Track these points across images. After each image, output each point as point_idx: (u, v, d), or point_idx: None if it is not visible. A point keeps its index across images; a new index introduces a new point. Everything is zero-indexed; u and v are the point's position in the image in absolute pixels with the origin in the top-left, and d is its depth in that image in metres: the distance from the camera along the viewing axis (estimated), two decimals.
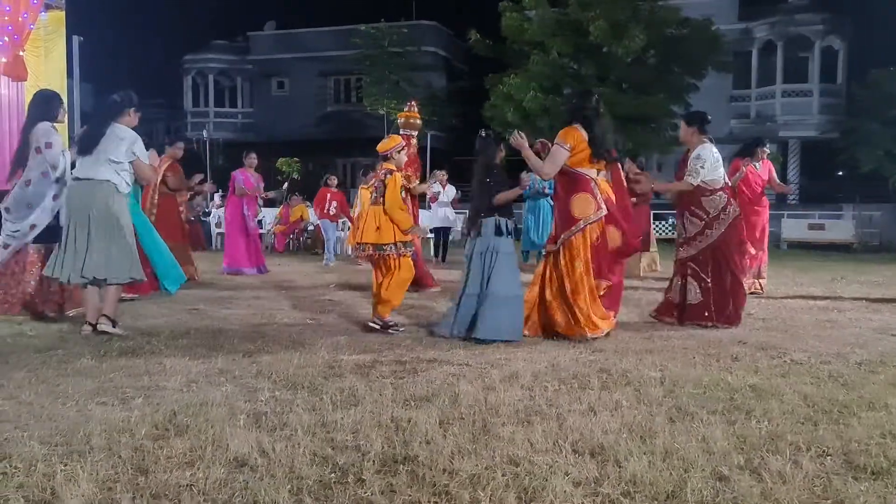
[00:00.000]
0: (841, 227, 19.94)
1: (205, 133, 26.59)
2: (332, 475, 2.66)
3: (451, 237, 13.86)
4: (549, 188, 10.02)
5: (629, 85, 20.97)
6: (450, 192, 13.08)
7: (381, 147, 5.81)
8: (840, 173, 27.63)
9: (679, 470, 2.70)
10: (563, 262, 5.33)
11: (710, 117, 6.34)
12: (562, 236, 5.35)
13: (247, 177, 10.54)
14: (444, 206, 13.00)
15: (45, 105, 5.92)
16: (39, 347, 4.81)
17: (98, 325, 5.30)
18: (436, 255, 13.03)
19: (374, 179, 5.81)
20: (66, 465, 2.67)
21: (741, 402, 3.65)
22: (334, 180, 13.14)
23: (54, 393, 3.69)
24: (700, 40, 20.73)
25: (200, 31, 40.73)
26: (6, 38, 8.70)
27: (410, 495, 2.49)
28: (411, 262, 5.71)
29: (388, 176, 5.53)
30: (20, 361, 4.40)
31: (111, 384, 3.89)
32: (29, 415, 3.31)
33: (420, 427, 3.14)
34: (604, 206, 5.37)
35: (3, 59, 8.85)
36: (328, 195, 12.81)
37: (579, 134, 5.41)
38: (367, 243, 5.52)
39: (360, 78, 31.12)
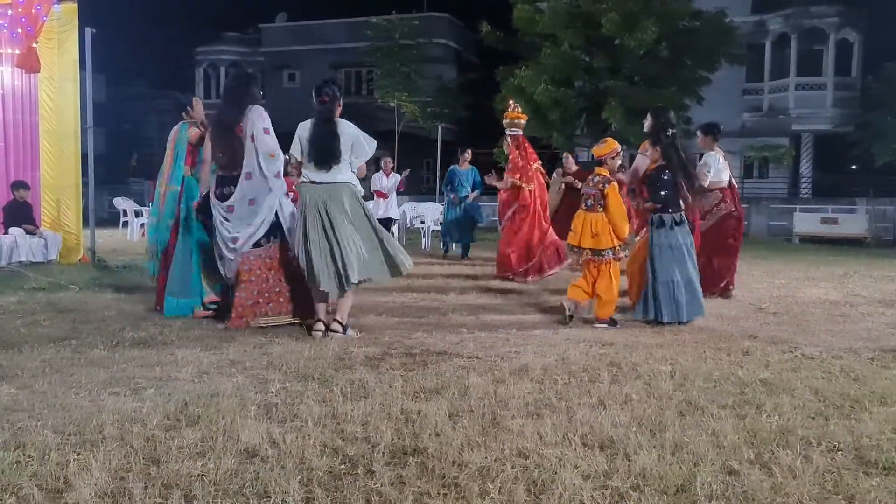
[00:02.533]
0: (854, 222, 19.76)
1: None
2: (342, 466, 2.67)
3: (393, 229, 12.39)
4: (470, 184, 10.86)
5: (641, 78, 20.83)
6: (393, 179, 11.93)
7: (597, 152, 5.95)
8: (854, 167, 27.40)
9: (689, 464, 2.70)
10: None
11: (721, 127, 7.48)
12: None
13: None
14: (385, 195, 11.87)
15: (248, 86, 5.55)
16: (53, 337, 4.85)
17: (332, 328, 5.14)
18: None
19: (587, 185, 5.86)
20: (79, 455, 2.70)
21: (752, 396, 3.64)
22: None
23: (67, 383, 3.72)
24: (713, 33, 20.55)
25: (212, 22, 40.88)
26: (20, 30, 8.76)
27: (420, 487, 2.50)
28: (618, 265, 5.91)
29: (607, 185, 5.68)
30: (34, 351, 4.44)
31: (124, 374, 3.92)
32: (42, 404, 3.34)
33: (430, 419, 3.15)
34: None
35: (17, 51, 8.91)
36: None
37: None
38: (585, 248, 5.74)
39: (372, 70, 31.06)
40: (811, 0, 26.30)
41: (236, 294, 5.34)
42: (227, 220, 5.32)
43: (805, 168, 27.28)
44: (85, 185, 9.89)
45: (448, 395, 3.58)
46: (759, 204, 23.28)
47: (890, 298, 7.49)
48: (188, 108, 6.03)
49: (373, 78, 31.00)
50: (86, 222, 9.88)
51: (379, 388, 3.70)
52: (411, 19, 29.05)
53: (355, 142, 5.18)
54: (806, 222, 19.94)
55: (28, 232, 9.12)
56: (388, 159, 12.39)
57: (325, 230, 5.05)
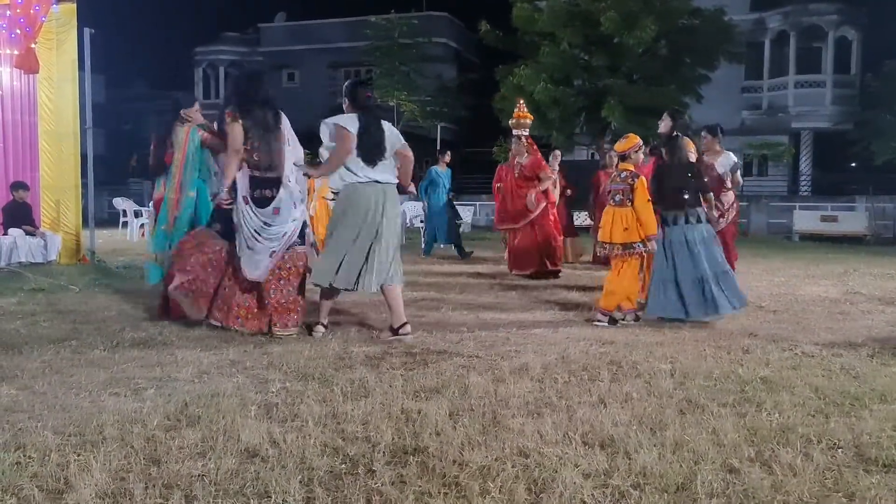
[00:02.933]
0: (854, 219, 19.75)
1: (216, 125, 26.65)
2: (343, 466, 2.67)
3: None
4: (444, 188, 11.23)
5: (640, 76, 20.86)
6: None
7: (620, 147, 5.93)
8: (853, 165, 27.41)
9: (689, 462, 2.70)
10: None
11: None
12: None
13: None
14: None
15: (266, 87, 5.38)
16: (53, 338, 4.85)
17: (401, 333, 5.01)
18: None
19: (613, 182, 5.87)
20: (79, 455, 2.70)
21: (752, 394, 3.64)
22: None
23: (68, 383, 3.72)
24: (712, 31, 20.57)
25: (211, 23, 40.86)
26: (18, 31, 8.76)
27: (420, 486, 2.50)
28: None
29: (636, 179, 5.67)
30: (34, 352, 4.44)
31: (124, 375, 3.92)
32: (43, 405, 3.34)
33: (430, 418, 3.15)
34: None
35: (16, 52, 8.91)
36: None
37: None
38: (615, 243, 5.70)
39: (371, 69, 31.07)
40: None
41: (270, 295, 5.09)
42: (269, 224, 5.03)
43: (804, 166, 27.30)
44: (84, 185, 9.90)
45: (448, 394, 3.58)
46: (759, 202, 23.29)
47: (890, 296, 7.49)
48: (183, 110, 5.86)
49: (372, 77, 30.98)
50: (85, 223, 9.88)
51: (379, 387, 3.70)
52: (410, 18, 29.07)
53: (397, 140, 5.11)
54: (805, 220, 19.94)
55: (27, 233, 9.12)
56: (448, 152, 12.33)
57: (363, 230, 4.92)
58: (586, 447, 2.86)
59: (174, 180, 5.76)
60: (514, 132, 8.84)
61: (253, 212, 5.03)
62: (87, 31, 9.55)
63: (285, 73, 34.69)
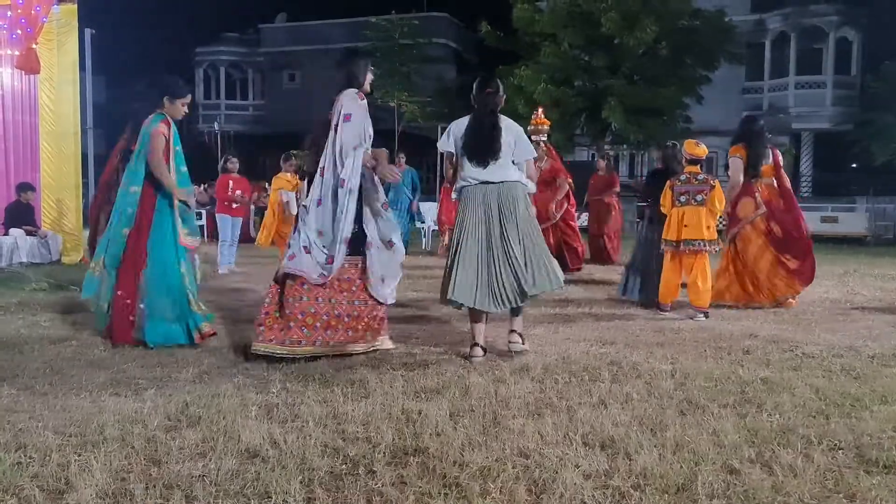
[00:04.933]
0: (854, 220, 19.76)
1: (216, 125, 26.69)
2: (343, 466, 2.67)
3: None
4: (408, 187, 11.22)
5: (641, 77, 20.84)
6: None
7: (700, 153, 6.32)
8: (854, 166, 27.38)
9: (690, 463, 2.70)
10: (739, 247, 6.74)
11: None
12: (731, 232, 6.79)
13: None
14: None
15: (348, 66, 4.89)
16: (54, 338, 4.85)
17: (511, 347, 4.59)
18: None
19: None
20: (79, 456, 2.70)
21: (752, 395, 3.64)
22: (235, 164, 9.79)
23: (68, 384, 3.72)
24: (712, 32, 20.57)
25: (212, 23, 40.82)
26: (19, 32, 8.77)
27: (421, 487, 2.50)
28: None
29: (715, 182, 6.25)
30: (35, 352, 4.44)
31: (124, 375, 3.92)
32: (43, 405, 3.34)
33: (430, 419, 3.15)
34: (763, 206, 6.75)
35: (17, 53, 8.92)
36: (230, 183, 9.55)
37: (744, 151, 6.74)
38: (700, 240, 6.11)
39: (372, 70, 31.08)
40: None
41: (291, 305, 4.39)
42: (303, 221, 4.51)
43: (805, 167, 27.27)
44: (85, 185, 9.91)
45: (449, 394, 3.58)
46: None
47: (890, 297, 7.49)
48: (167, 97, 5.07)
49: (372, 78, 30.98)
50: (86, 223, 9.88)
51: (380, 388, 3.70)
52: (411, 19, 29.05)
53: (518, 139, 4.57)
54: (806, 221, 19.91)
55: (28, 233, 9.12)
56: (402, 154, 11.97)
57: (488, 237, 4.43)
58: (587, 448, 2.86)
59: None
60: (533, 138, 8.85)
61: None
62: (87, 31, 9.57)
63: (286, 74, 34.68)
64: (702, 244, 6.09)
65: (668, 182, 6.35)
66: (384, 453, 2.78)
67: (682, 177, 6.26)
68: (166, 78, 5.60)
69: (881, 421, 3.21)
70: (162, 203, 4.81)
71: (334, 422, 3.15)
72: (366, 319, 4.54)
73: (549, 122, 9.35)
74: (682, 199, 6.21)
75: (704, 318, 5.99)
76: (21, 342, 4.73)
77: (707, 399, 3.54)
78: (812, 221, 19.61)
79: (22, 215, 9.17)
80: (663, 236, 6.29)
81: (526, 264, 4.42)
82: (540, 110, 9.47)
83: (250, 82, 35.45)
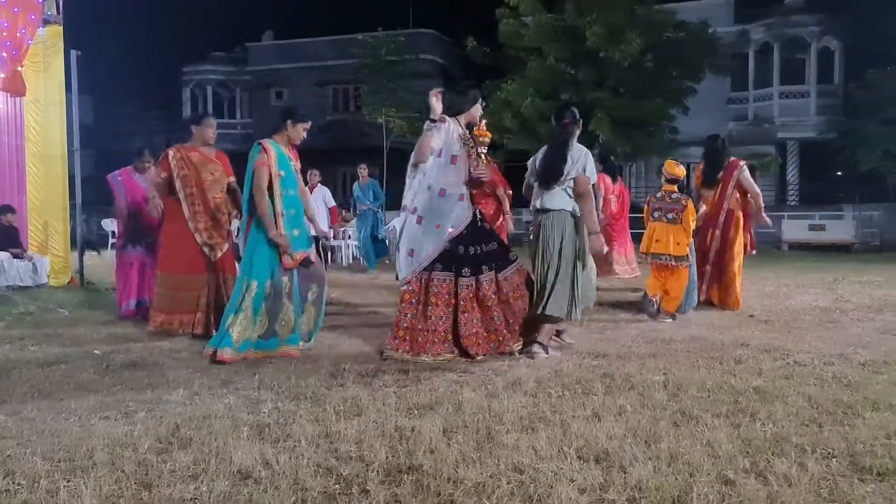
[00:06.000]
0: (841, 228, 19.91)
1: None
2: (337, 486, 2.65)
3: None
4: (374, 202, 11.15)
5: (627, 89, 20.98)
6: (320, 193, 11.01)
7: (679, 173, 6.62)
8: (839, 173, 27.63)
9: (684, 475, 2.69)
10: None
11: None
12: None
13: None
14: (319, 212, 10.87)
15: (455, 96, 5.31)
16: (42, 362, 4.80)
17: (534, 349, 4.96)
18: None
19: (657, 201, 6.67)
20: (69, 481, 2.67)
21: (745, 404, 3.64)
22: None
23: (57, 408, 3.68)
24: (697, 43, 20.75)
25: (198, 42, 40.90)
26: (5, 54, 8.74)
27: None
28: None
29: (687, 201, 6.58)
30: (22, 376, 4.39)
31: (114, 398, 3.88)
32: (31, 430, 3.30)
33: (424, 436, 3.13)
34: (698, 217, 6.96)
35: (2, 75, 8.88)
36: None
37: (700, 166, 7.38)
38: (667, 254, 6.51)
39: (359, 87, 31.14)
40: (792, 9, 26.63)
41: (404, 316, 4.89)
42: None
43: (791, 175, 27.48)
44: (73, 207, 9.85)
45: (442, 410, 3.57)
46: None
47: (879, 304, 7.53)
48: (295, 123, 5.33)
49: (360, 95, 31.08)
50: (74, 245, 9.82)
51: (372, 405, 3.68)
52: (397, 36, 29.17)
53: (587, 167, 5.00)
54: (794, 229, 20.07)
55: (15, 255, 9.05)
56: (315, 171, 11.19)
57: (545, 257, 5.02)
58: (581, 462, 2.85)
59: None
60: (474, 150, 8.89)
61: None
62: (73, 53, 9.54)
63: (273, 92, 34.69)
64: (668, 258, 6.52)
65: (648, 197, 6.78)
66: (378, 472, 2.76)
67: (658, 194, 6.68)
68: (288, 104, 5.98)
69: (873, 428, 3.22)
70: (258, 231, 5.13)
71: (327, 441, 3.13)
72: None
73: (489, 134, 9.19)
74: (656, 214, 6.65)
75: (671, 321, 6.44)
76: (8, 366, 4.68)
77: (700, 409, 3.54)
78: (800, 229, 19.93)
79: (7, 238, 9.10)
80: (640, 248, 6.84)
81: (553, 286, 4.94)
82: (483, 122, 9.29)
83: (238, 101, 35.47)
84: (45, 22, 9.13)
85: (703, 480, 2.63)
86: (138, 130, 38.61)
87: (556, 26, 20.60)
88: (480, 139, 8.95)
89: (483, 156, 8.89)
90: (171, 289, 5.88)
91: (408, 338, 4.86)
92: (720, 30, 22.56)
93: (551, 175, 5.03)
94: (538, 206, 5.12)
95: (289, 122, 5.27)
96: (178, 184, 5.85)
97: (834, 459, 2.86)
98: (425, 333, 4.84)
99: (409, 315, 4.89)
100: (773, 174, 27.53)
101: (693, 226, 6.59)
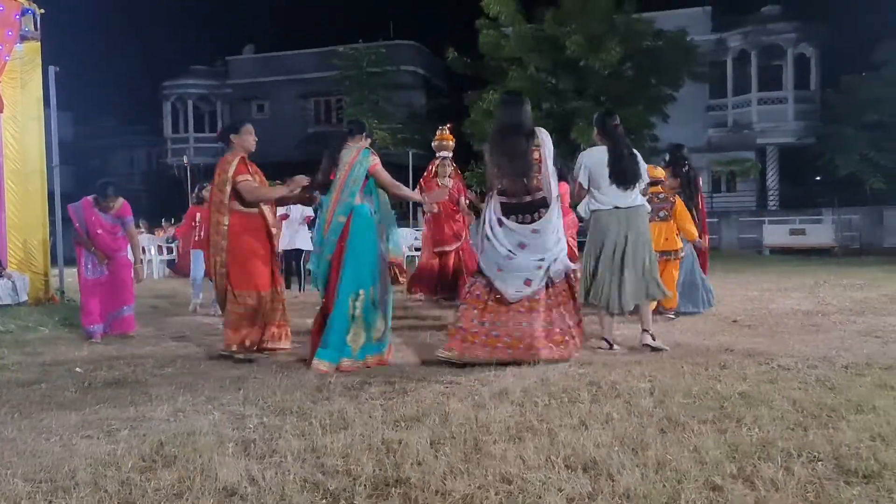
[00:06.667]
0: (821, 232, 20.14)
1: (185, 159, 26.50)
2: (324, 501, 2.63)
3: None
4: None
5: (607, 98, 21.16)
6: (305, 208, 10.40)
7: (655, 174, 6.84)
8: (818, 178, 27.97)
9: (672, 481, 2.69)
10: None
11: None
12: None
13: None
14: (296, 224, 10.83)
15: (525, 104, 5.42)
16: (22, 381, 4.73)
17: (645, 341, 5.43)
18: (287, 285, 10.26)
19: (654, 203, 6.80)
20: (50, 503, 2.62)
21: (731, 409, 3.65)
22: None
23: (37, 428, 3.62)
24: (675, 52, 20.99)
25: (179, 56, 40.80)
26: None
27: None
28: None
29: (675, 199, 6.98)
30: (2, 396, 4.32)
31: (96, 417, 3.83)
32: (12, 451, 3.25)
33: (411, 448, 3.11)
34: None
35: None
36: (197, 215, 8.90)
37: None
38: (658, 252, 6.48)
39: (341, 99, 31.20)
40: (768, 17, 27.01)
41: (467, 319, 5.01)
42: (524, 244, 5.02)
43: (771, 181, 27.77)
44: (52, 224, 9.74)
45: (429, 422, 3.55)
46: (729, 217, 23.62)
47: (860, 307, 7.61)
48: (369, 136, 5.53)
49: (342, 106, 31.09)
50: (54, 262, 9.71)
51: (359, 418, 3.65)
52: (378, 47, 29.26)
53: (643, 165, 5.56)
54: (775, 234, 20.28)
55: None
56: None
57: (614, 253, 5.33)
58: (569, 470, 2.85)
59: (331, 202, 5.25)
60: (438, 154, 8.93)
61: (509, 230, 5.05)
62: (52, 68, 9.46)
63: (255, 105, 34.64)
64: (658, 255, 6.55)
65: None
66: (365, 486, 2.74)
67: (646, 196, 6.67)
68: (350, 121, 5.91)
69: (858, 430, 3.24)
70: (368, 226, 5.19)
71: (313, 455, 3.10)
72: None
73: (453, 138, 9.23)
74: (661, 214, 6.94)
75: (674, 317, 6.80)
76: None
77: (687, 416, 3.55)
78: (781, 234, 20.11)
79: None
80: None
81: (639, 276, 5.35)
82: (446, 126, 9.31)
83: (219, 114, 35.34)
84: (23, 38, 9.05)
85: (690, 487, 2.63)
86: (118, 145, 38.43)
87: (535, 36, 20.77)
88: (445, 143, 9.00)
89: (448, 161, 8.95)
90: (248, 306, 5.46)
91: (459, 338, 4.98)
92: (698, 38, 22.84)
93: (633, 177, 5.42)
94: (617, 204, 5.36)
95: (364, 134, 5.44)
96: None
97: (820, 463, 2.88)
98: (482, 337, 4.96)
99: (467, 318, 5.00)
100: (753, 179, 27.84)
101: (693, 227, 6.96)
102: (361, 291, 5.05)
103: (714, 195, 27.05)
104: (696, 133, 26.10)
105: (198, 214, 8.87)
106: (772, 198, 27.64)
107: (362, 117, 26.86)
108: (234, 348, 5.40)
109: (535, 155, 5.08)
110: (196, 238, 8.95)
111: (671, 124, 21.69)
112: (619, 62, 20.26)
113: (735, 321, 6.78)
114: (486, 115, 21.03)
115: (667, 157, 7.87)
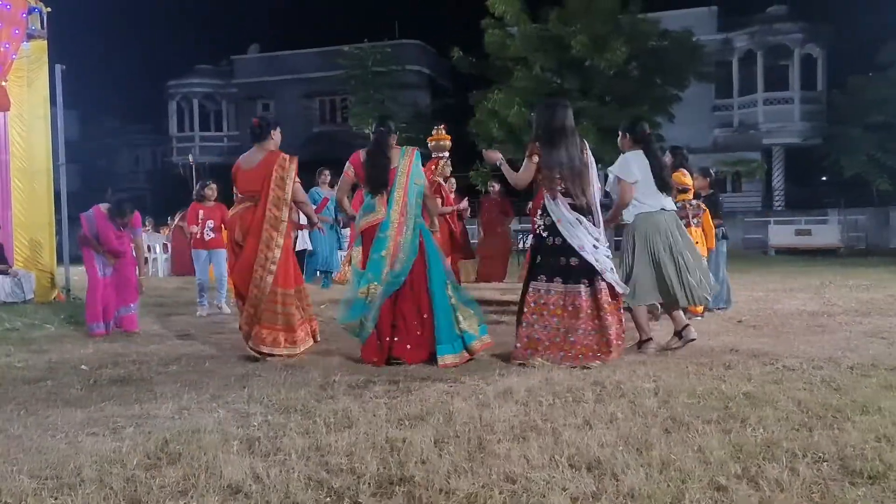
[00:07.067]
0: (827, 232, 20.08)
1: (191, 157, 26.54)
2: (328, 499, 2.63)
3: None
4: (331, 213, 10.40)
5: (612, 98, 21.13)
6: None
7: (683, 181, 6.90)
8: (824, 179, 27.90)
9: (676, 481, 2.69)
10: None
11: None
12: None
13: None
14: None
15: (568, 109, 5.36)
16: (28, 379, 4.75)
17: (685, 335, 5.44)
18: None
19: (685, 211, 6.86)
20: (56, 499, 2.63)
21: (736, 410, 3.64)
22: (213, 191, 8.94)
23: (43, 425, 3.64)
24: (681, 52, 20.94)
25: (184, 55, 40.90)
26: None
27: None
28: None
29: (704, 207, 7.17)
30: (8, 394, 4.34)
31: (101, 414, 3.84)
32: (18, 448, 3.26)
33: (415, 447, 3.11)
34: None
35: None
36: (200, 212, 8.74)
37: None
38: None
39: (346, 98, 31.22)
40: (775, 17, 26.93)
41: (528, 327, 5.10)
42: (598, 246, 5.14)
43: (777, 181, 27.70)
44: (58, 222, 9.78)
45: (433, 421, 3.55)
46: (735, 217, 23.55)
47: (866, 307, 7.59)
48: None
49: (347, 106, 31.12)
50: (60, 260, 9.75)
51: (363, 416, 3.66)
52: (383, 47, 29.26)
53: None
54: (780, 234, 20.23)
55: (0, 272, 8.97)
56: (326, 171, 10.96)
57: (671, 252, 5.40)
58: (573, 470, 2.85)
59: (398, 203, 5.23)
60: (434, 155, 8.81)
61: (586, 230, 5.09)
62: (58, 67, 9.50)
63: (260, 104, 34.67)
64: None
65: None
66: (369, 484, 2.74)
67: (678, 204, 6.49)
68: (381, 121, 5.75)
69: (863, 431, 3.23)
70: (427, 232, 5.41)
71: (317, 453, 3.11)
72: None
73: (449, 138, 9.15)
74: (685, 221, 6.76)
75: (701, 318, 6.73)
76: None
77: (691, 416, 3.54)
78: (786, 235, 20.05)
79: None
80: None
81: (687, 275, 5.40)
82: (441, 126, 9.22)
83: (224, 113, 35.42)
84: (30, 37, 9.09)
85: (695, 487, 2.63)
86: (124, 144, 38.54)
87: (541, 36, 20.74)
88: (441, 143, 8.94)
89: (443, 160, 8.90)
90: (288, 304, 5.42)
91: (530, 344, 5.07)
92: (704, 38, 22.78)
93: (670, 183, 5.65)
94: (664, 206, 5.48)
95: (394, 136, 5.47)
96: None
97: (825, 463, 2.87)
98: (545, 343, 5.03)
99: (529, 324, 5.10)
100: (759, 180, 27.79)
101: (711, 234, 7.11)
102: (449, 283, 5.29)
103: (719, 195, 27.01)
104: (701, 133, 26.08)
105: (200, 211, 8.68)
106: (777, 198, 27.57)
107: (367, 117, 27.05)
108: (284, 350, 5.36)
109: (585, 157, 5.21)
110: (197, 237, 8.67)
111: (677, 124, 21.65)
112: (625, 62, 20.21)
113: (740, 321, 6.76)
114: (490, 115, 21.05)
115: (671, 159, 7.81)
